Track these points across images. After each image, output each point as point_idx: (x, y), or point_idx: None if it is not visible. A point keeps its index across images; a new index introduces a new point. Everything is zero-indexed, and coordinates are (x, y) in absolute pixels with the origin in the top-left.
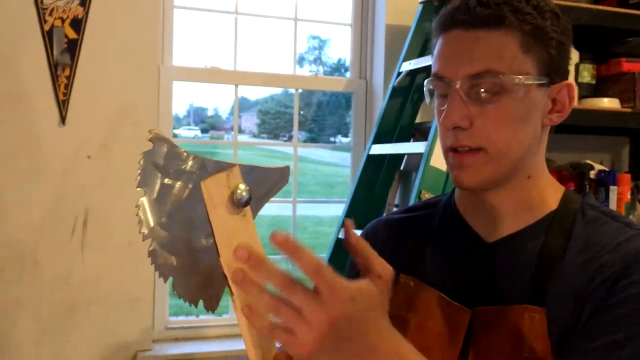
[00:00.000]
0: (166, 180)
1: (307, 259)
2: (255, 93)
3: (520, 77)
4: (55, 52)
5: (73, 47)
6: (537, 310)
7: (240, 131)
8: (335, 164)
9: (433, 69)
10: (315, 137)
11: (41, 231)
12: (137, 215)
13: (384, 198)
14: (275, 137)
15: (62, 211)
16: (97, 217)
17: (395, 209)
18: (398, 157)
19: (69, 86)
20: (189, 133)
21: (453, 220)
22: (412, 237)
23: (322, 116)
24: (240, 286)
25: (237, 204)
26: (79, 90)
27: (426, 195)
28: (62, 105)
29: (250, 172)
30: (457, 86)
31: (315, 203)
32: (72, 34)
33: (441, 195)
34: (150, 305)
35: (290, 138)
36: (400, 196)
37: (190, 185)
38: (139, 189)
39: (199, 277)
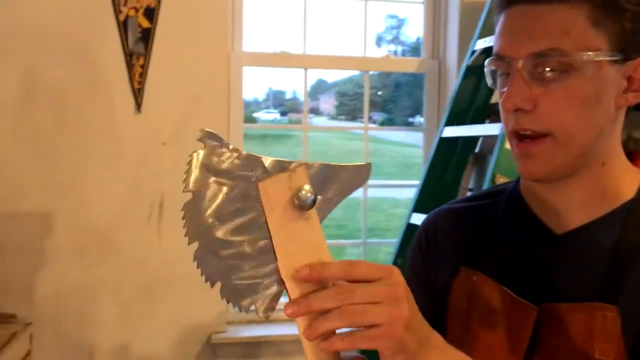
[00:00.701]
0: (217, 181)
1: (334, 266)
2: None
3: (590, 53)
4: (130, 42)
5: (146, 36)
6: (610, 309)
7: (319, 113)
8: (412, 144)
9: (494, 48)
10: (393, 118)
11: (120, 216)
12: (183, 219)
13: (457, 182)
14: (354, 118)
15: (139, 196)
16: (172, 201)
17: (463, 196)
18: (472, 140)
19: (143, 74)
20: (268, 116)
21: (519, 210)
22: (473, 227)
23: (399, 96)
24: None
25: (300, 207)
26: (153, 78)
27: (500, 180)
28: (138, 93)
29: (321, 171)
30: (519, 65)
31: (388, 187)
32: (145, 23)
33: (505, 184)
34: None
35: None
36: (475, 180)
37: (244, 185)
38: (185, 192)
39: (250, 282)
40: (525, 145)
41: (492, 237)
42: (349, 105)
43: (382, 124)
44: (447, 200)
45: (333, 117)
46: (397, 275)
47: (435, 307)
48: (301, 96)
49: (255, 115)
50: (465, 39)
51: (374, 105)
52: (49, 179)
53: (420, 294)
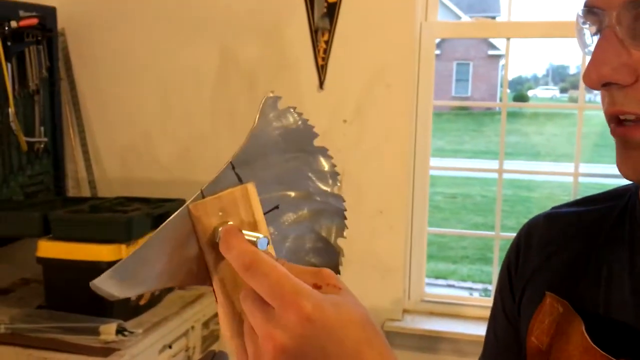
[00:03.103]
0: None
1: (238, 248)
2: None
3: None
4: (315, 18)
5: (332, 11)
6: None
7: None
8: None
9: None
10: None
11: None
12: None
13: None
14: None
15: None
16: (351, 180)
17: (583, 197)
18: None
19: (327, 51)
20: (545, 93)
21: (631, 222)
22: (578, 240)
23: None
24: None
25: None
26: (336, 54)
27: None
28: (321, 70)
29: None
30: (613, 20)
31: (599, 177)
32: None
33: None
34: (402, 275)
35: None
36: None
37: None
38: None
39: None
40: (625, 130)
41: (596, 255)
42: None
43: None
44: None
45: None
46: (301, 311)
47: (517, 341)
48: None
49: (531, 92)
50: None
51: None
52: None
53: (501, 322)
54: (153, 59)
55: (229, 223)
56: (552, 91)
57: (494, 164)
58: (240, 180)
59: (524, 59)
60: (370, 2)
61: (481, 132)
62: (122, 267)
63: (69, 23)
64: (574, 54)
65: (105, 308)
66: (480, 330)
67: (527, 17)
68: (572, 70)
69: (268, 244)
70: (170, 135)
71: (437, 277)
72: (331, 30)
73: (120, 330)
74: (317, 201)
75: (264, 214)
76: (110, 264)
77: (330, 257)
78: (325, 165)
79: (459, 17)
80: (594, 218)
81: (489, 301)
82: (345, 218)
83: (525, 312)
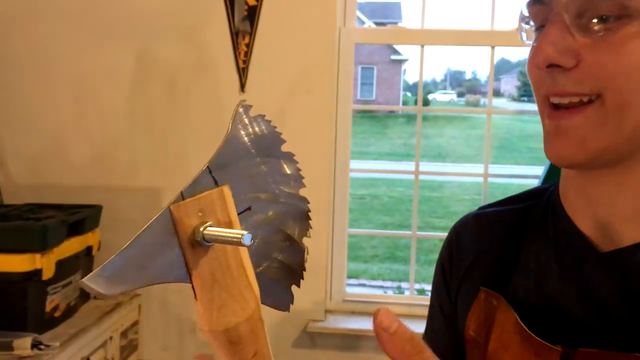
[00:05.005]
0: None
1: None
2: (517, 54)
3: None
4: (236, 20)
5: (252, 14)
6: None
7: (499, 94)
8: None
9: None
10: None
11: None
12: None
13: None
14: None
15: None
16: None
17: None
18: None
19: (248, 53)
20: (444, 97)
21: (555, 218)
22: (506, 237)
23: None
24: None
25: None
26: (257, 57)
27: None
28: (242, 73)
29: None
30: (561, 6)
31: (506, 177)
32: (251, 1)
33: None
34: (324, 276)
35: None
36: None
37: None
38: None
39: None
40: (560, 114)
41: (523, 252)
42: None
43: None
44: None
45: (515, 99)
46: None
47: (456, 337)
48: (481, 77)
49: (430, 96)
50: None
51: None
52: (158, 157)
53: (439, 320)
54: (66, 60)
55: (207, 223)
56: (450, 95)
57: (401, 166)
58: (217, 183)
59: (425, 64)
60: (291, 8)
61: (385, 134)
62: (109, 267)
63: None
64: (470, 60)
65: (18, 321)
66: None
67: (434, 25)
68: (468, 76)
69: (251, 239)
70: (84, 138)
71: (349, 277)
72: (252, 34)
73: (35, 344)
74: (284, 203)
75: (238, 214)
76: (24, 275)
77: (296, 254)
78: (291, 169)
79: (363, 22)
80: (519, 215)
81: (408, 298)
82: (310, 219)
83: (461, 308)
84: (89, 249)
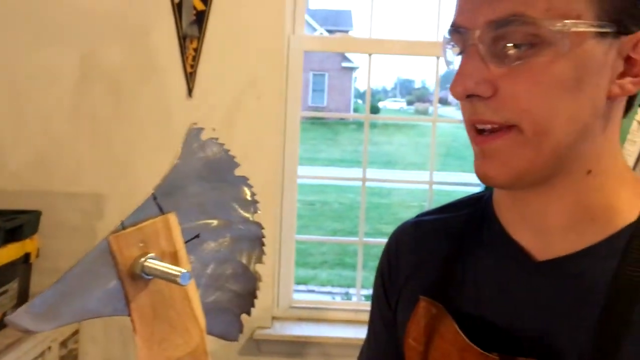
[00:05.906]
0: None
1: None
2: None
3: (567, 22)
4: (184, 24)
5: (201, 18)
6: None
7: (446, 103)
8: None
9: (452, 18)
10: None
11: None
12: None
13: None
14: None
15: None
16: None
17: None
18: None
19: (196, 58)
20: (394, 105)
21: (489, 227)
22: (445, 245)
23: None
24: None
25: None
26: (206, 62)
27: None
28: (189, 78)
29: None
30: (475, 38)
31: (451, 185)
32: (200, 5)
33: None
34: (271, 283)
35: None
36: None
37: None
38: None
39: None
40: (484, 139)
41: (461, 261)
42: None
43: None
44: None
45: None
46: None
47: (396, 345)
48: (430, 85)
49: (380, 104)
50: None
51: None
52: (102, 162)
53: (379, 327)
54: (3, 60)
55: (149, 254)
56: (400, 103)
57: (351, 172)
58: (162, 211)
59: (375, 72)
60: (240, 14)
61: (336, 140)
62: (39, 302)
63: None
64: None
65: None
66: (345, 332)
67: (384, 35)
68: (417, 85)
69: (190, 278)
70: (23, 142)
71: (298, 283)
72: (200, 38)
73: None
74: (238, 229)
75: (185, 242)
76: None
77: (249, 283)
78: (246, 193)
79: (315, 29)
80: (457, 223)
81: (354, 304)
82: (264, 245)
83: (401, 316)
84: (26, 256)
